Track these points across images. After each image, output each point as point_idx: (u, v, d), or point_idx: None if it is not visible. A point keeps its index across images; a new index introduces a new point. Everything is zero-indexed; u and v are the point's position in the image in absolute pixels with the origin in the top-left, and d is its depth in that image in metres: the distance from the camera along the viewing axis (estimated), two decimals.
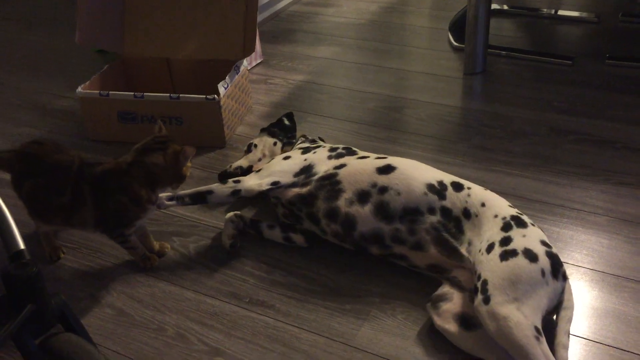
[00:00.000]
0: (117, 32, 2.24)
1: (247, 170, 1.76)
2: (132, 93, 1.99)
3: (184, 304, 1.45)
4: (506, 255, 1.25)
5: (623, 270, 1.48)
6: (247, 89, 2.24)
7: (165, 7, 2.19)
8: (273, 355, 1.31)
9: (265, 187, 1.54)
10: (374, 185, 1.47)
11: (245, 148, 1.86)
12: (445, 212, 1.42)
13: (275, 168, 1.58)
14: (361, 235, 1.46)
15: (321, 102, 2.31)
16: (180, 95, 1.96)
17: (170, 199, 1.55)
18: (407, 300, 1.42)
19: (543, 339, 1.15)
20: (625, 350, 1.28)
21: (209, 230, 1.68)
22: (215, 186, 1.56)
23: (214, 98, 1.95)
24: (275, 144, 1.81)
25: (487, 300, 1.20)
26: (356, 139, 2.06)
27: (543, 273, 1.23)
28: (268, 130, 1.86)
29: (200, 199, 1.55)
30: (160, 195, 1.51)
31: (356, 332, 1.35)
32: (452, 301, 1.33)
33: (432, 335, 1.33)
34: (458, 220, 1.41)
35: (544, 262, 1.25)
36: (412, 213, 1.43)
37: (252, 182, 1.55)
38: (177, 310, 1.43)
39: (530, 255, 1.25)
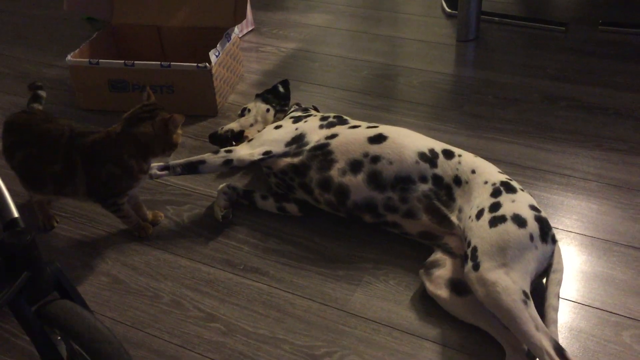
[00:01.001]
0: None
1: (237, 135, 1.76)
2: (123, 61, 1.97)
3: (179, 271, 1.46)
4: (495, 222, 1.27)
5: (612, 235, 1.50)
6: (238, 57, 2.22)
7: None
8: (268, 320, 1.33)
9: (257, 157, 1.54)
10: (366, 154, 1.47)
11: (239, 112, 1.86)
12: (437, 179, 1.43)
13: (266, 137, 1.58)
14: (354, 204, 1.47)
15: (313, 70, 2.30)
16: (172, 63, 1.95)
17: (162, 168, 1.54)
18: (399, 266, 1.44)
19: (531, 303, 1.17)
20: (612, 313, 1.30)
21: (202, 198, 1.68)
22: (207, 156, 1.55)
23: (205, 66, 1.94)
24: (268, 110, 1.80)
25: (476, 266, 1.22)
26: (349, 107, 2.06)
27: (532, 237, 1.25)
28: (262, 97, 1.85)
29: (192, 168, 1.55)
30: (153, 164, 1.51)
31: (349, 297, 1.37)
32: (444, 267, 1.35)
33: (423, 301, 1.35)
34: (449, 188, 1.42)
35: (533, 226, 1.26)
36: (404, 181, 1.43)
37: (243, 152, 1.55)
38: (172, 278, 1.44)
39: (519, 221, 1.26)
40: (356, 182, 1.46)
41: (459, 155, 1.46)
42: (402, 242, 1.49)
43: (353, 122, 1.61)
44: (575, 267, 1.42)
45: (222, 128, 1.79)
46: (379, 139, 1.49)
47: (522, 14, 2.64)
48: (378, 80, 2.22)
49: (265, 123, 1.78)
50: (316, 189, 1.50)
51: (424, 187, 1.42)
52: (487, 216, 1.29)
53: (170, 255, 1.51)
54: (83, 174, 1.43)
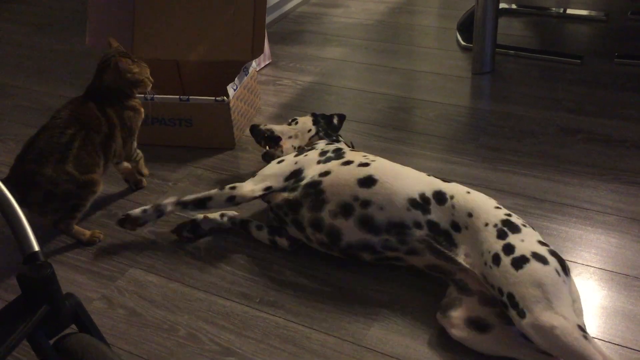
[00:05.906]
0: (127, 34, 2.25)
1: (274, 138, 1.84)
2: (143, 95, 2.00)
3: (195, 304, 1.46)
4: (519, 263, 1.24)
5: (632, 269, 1.47)
6: (256, 91, 2.25)
7: (175, 10, 2.21)
8: (284, 355, 1.32)
9: (258, 193, 1.58)
10: (356, 198, 1.46)
11: (289, 120, 1.91)
12: (432, 225, 1.40)
13: (268, 172, 1.62)
14: (348, 245, 1.46)
15: (330, 103, 2.32)
16: (190, 97, 1.98)
17: (175, 204, 1.61)
18: (416, 300, 1.43)
19: (589, 336, 1.16)
20: (634, 350, 1.28)
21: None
22: (214, 193, 1.60)
23: (223, 100, 1.97)
24: (309, 130, 1.84)
25: (522, 314, 1.19)
26: (365, 139, 2.07)
27: (557, 272, 1.23)
28: (315, 117, 1.89)
29: (201, 205, 1.61)
30: (166, 201, 1.60)
31: (366, 331, 1.36)
32: (461, 307, 1.32)
33: (441, 335, 1.33)
34: (447, 234, 1.39)
35: (553, 261, 1.25)
36: (398, 226, 1.42)
37: (246, 189, 1.59)
38: (188, 311, 1.44)
39: (540, 258, 1.25)
40: (347, 225, 1.45)
41: (451, 198, 1.41)
42: (419, 276, 1.48)
43: (348, 156, 1.59)
44: (595, 302, 1.40)
45: (266, 125, 1.88)
46: (368, 182, 1.47)
47: (537, 47, 2.65)
48: (394, 113, 2.23)
49: (302, 142, 1.82)
50: (308, 228, 1.51)
51: (421, 233, 1.40)
52: (506, 259, 1.26)
53: (187, 288, 1.51)
54: (120, 125, 1.65)
